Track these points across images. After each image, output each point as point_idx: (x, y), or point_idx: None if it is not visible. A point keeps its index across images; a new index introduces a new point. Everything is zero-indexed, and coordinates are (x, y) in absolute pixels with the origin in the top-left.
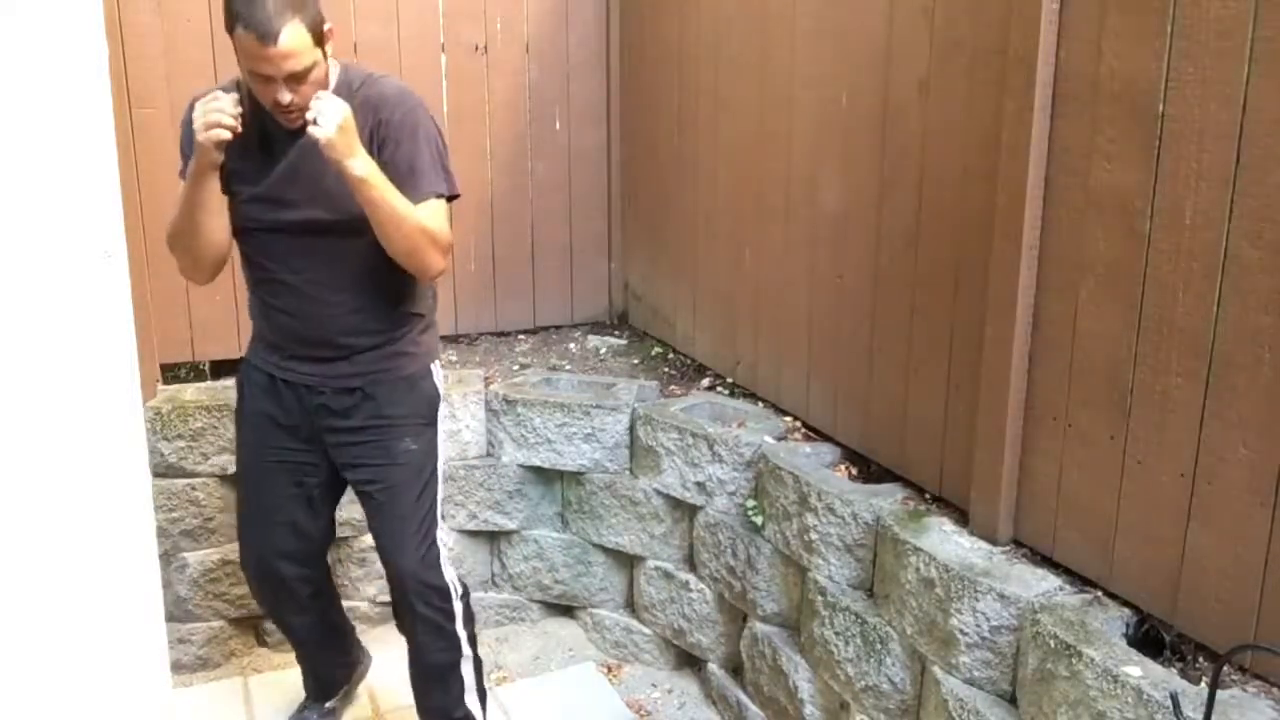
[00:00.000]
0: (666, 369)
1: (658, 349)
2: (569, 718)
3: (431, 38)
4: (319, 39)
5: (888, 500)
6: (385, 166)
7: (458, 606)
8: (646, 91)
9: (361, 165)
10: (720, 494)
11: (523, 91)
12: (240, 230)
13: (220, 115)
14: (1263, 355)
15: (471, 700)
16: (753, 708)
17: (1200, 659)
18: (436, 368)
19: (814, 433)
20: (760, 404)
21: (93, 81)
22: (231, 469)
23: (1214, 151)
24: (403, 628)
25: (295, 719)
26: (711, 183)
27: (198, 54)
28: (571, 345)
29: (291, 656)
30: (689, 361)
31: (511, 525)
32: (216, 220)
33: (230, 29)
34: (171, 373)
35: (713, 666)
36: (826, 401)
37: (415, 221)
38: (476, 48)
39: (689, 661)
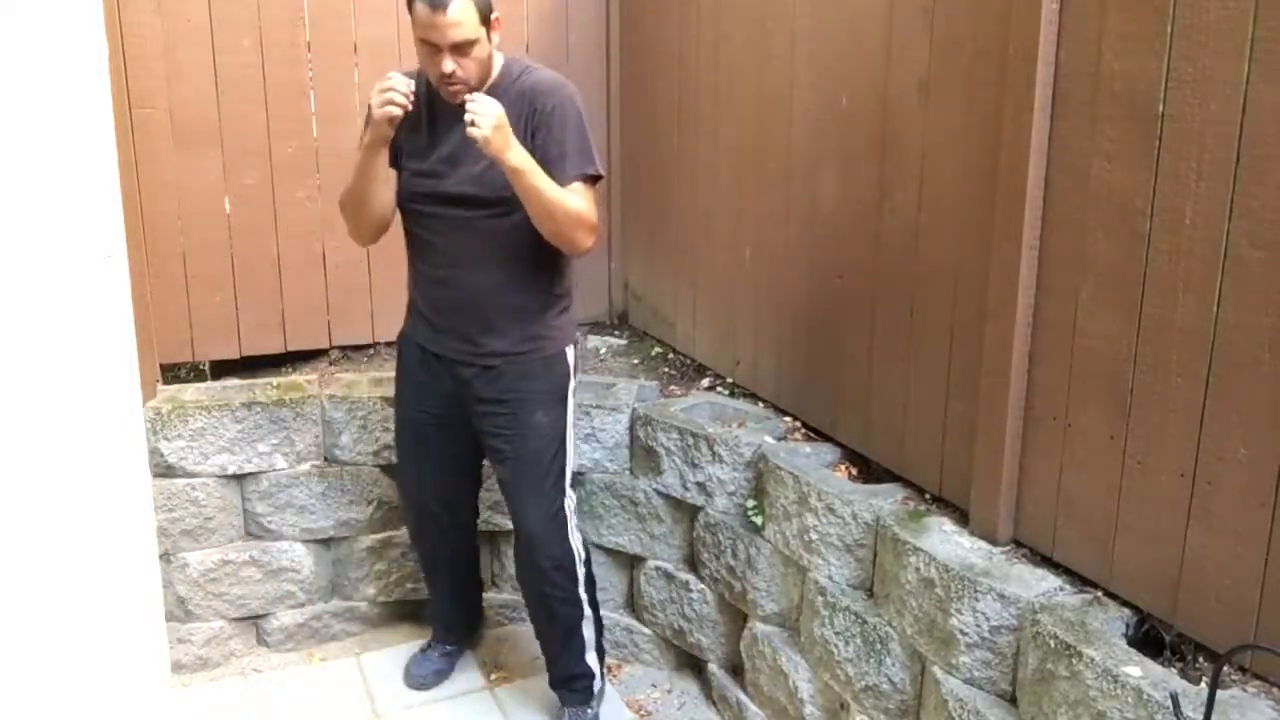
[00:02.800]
0: (666, 369)
1: (658, 349)
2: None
3: None
4: (485, 21)
5: (888, 500)
6: (536, 150)
7: (580, 570)
8: (646, 91)
9: (517, 157)
10: (720, 494)
11: None
12: (404, 202)
13: (394, 94)
14: (1263, 355)
15: (591, 658)
16: (753, 708)
17: (1200, 659)
18: (571, 351)
19: (814, 433)
20: (760, 404)
21: (93, 81)
22: (231, 469)
23: (1214, 151)
24: (526, 589)
25: (417, 657)
26: (711, 183)
27: (198, 54)
28: None
29: (291, 656)
30: (689, 361)
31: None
32: (382, 190)
33: (410, 4)
34: (171, 373)
35: (713, 666)
36: (826, 401)
37: (564, 205)
38: None
39: (689, 661)
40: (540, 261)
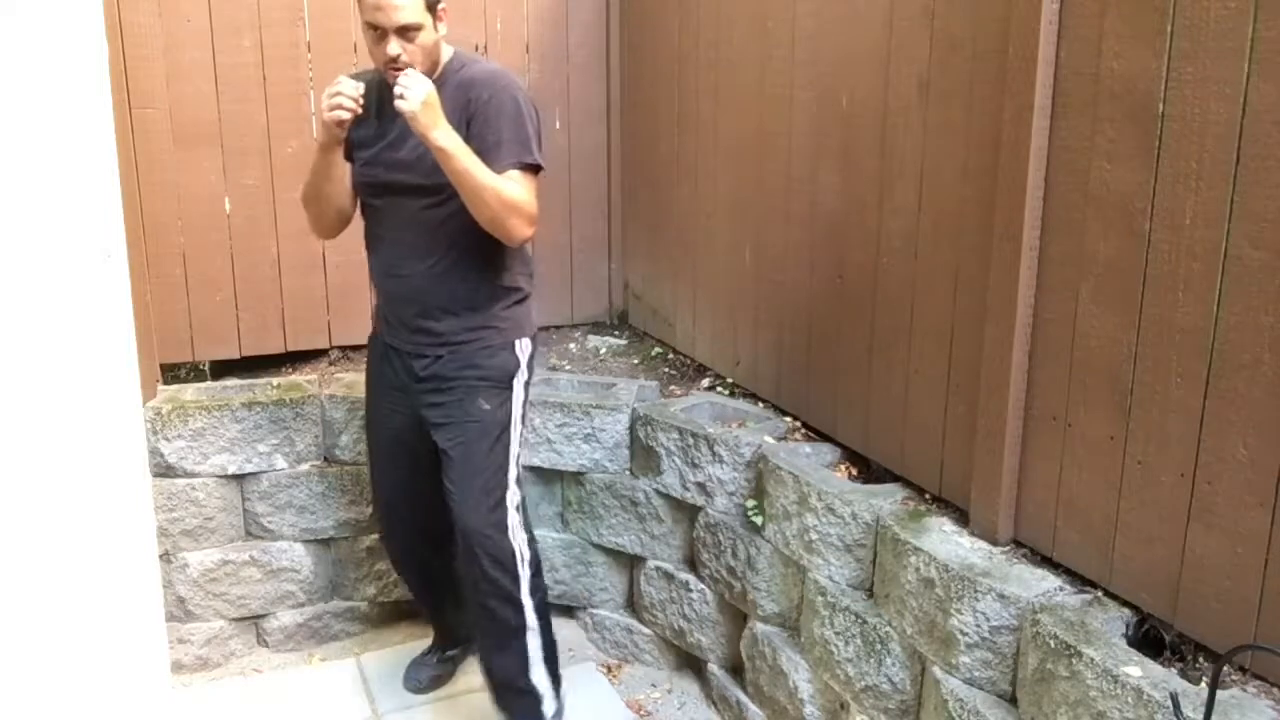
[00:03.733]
0: (666, 369)
1: (658, 349)
2: (569, 718)
3: None
4: (431, 9)
5: (888, 500)
6: (473, 139)
7: (524, 572)
8: (646, 91)
9: (444, 137)
10: (720, 494)
11: None
12: (357, 192)
13: (341, 99)
14: (1263, 355)
15: (539, 676)
16: (753, 708)
17: (1200, 659)
18: (525, 344)
19: (814, 433)
20: (760, 404)
21: (93, 81)
22: (231, 468)
23: (1214, 151)
24: (466, 590)
25: (416, 662)
26: (711, 183)
27: (198, 54)
28: (571, 345)
29: (290, 657)
30: (689, 361)
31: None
32: (337, 188)
33: None
34: (171, 373)
35: (713, 667)
36: (826, 401)
37: (496, 190)
38: (476, 48)
39: (689, 661)
40: (485, 251)
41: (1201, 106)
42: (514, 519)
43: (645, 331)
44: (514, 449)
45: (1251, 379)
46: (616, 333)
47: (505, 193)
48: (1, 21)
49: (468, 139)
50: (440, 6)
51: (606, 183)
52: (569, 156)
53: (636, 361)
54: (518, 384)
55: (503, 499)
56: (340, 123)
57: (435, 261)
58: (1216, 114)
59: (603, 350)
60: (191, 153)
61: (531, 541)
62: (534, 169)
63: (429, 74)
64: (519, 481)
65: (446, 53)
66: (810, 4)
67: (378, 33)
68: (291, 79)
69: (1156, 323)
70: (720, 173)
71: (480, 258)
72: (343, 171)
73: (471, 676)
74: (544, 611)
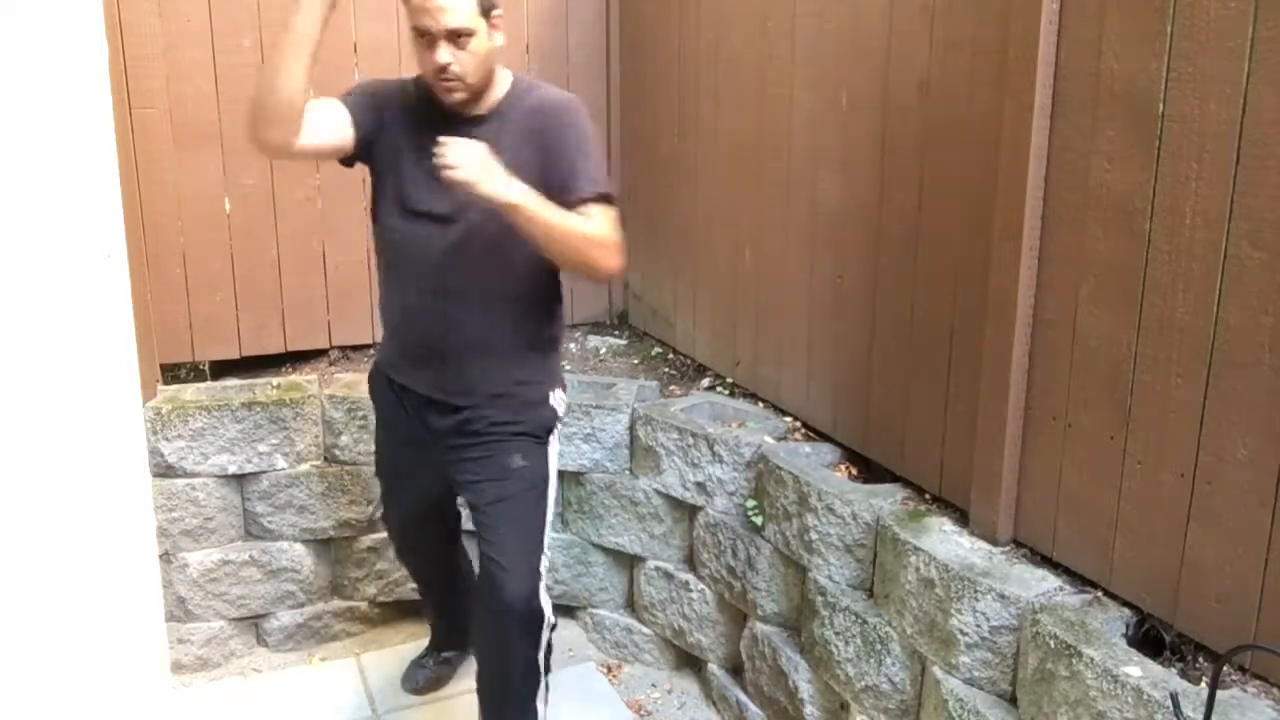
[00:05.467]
0: (666, 369)
1: (658, 349)
2: (569, 718)
3: None
4: (485, 14)
5: (888, 500)
6: (549, 167)
7: (545, 635)
8: (646, 91)
9: (513, 192)
10: (720, 494)
11: None
12: (378, 217)
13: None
14: (1263, 355)
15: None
16: (753, 708)
17: (1200, 659)
18: (558, 394)
19: (814, 433)
20: (760, 404)
21: (93, 81)
22: (231, 468)
23: (1214, 151)
24: (482, 645)
25: (414, 664)
26: (711, 183)
27: (198, 54)
28: (571, 345)
29: (290, 656)
30: (689, 361)
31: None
32: (302, 63)
33: None
34: (171, 373)
35: (713, 666)
36: (826, 401)
37: (575, 230)
38: None
39: (689, 661)
40: (529, 293)
41: (1201, 107)
42: (544, 582)
43: (645, 331)
44: (551, 508)
45: (1251, 379)
46: (616, 333)
47: (584, 229)
48: (1, 21)
49: (541, 165)
50: (496, 13)
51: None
52: None
53: (636, 361)
54: (554, 438)
55: (539, 564)
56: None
57: (473, 303)
58: (1216, 114)
59: (603, 350)
60: (191, 153)
61: (553, 608)
62: (609, 199)
63: (482, 89)
64: (548, 546)
65: (504, 76)
66: (810, 4)
67: (426, 39)
68: None
69: (1156, 323)
70: (720, 173)
71: (524, 301)
72: (314, 46)
73: (471, 679)
74: (549, 666)
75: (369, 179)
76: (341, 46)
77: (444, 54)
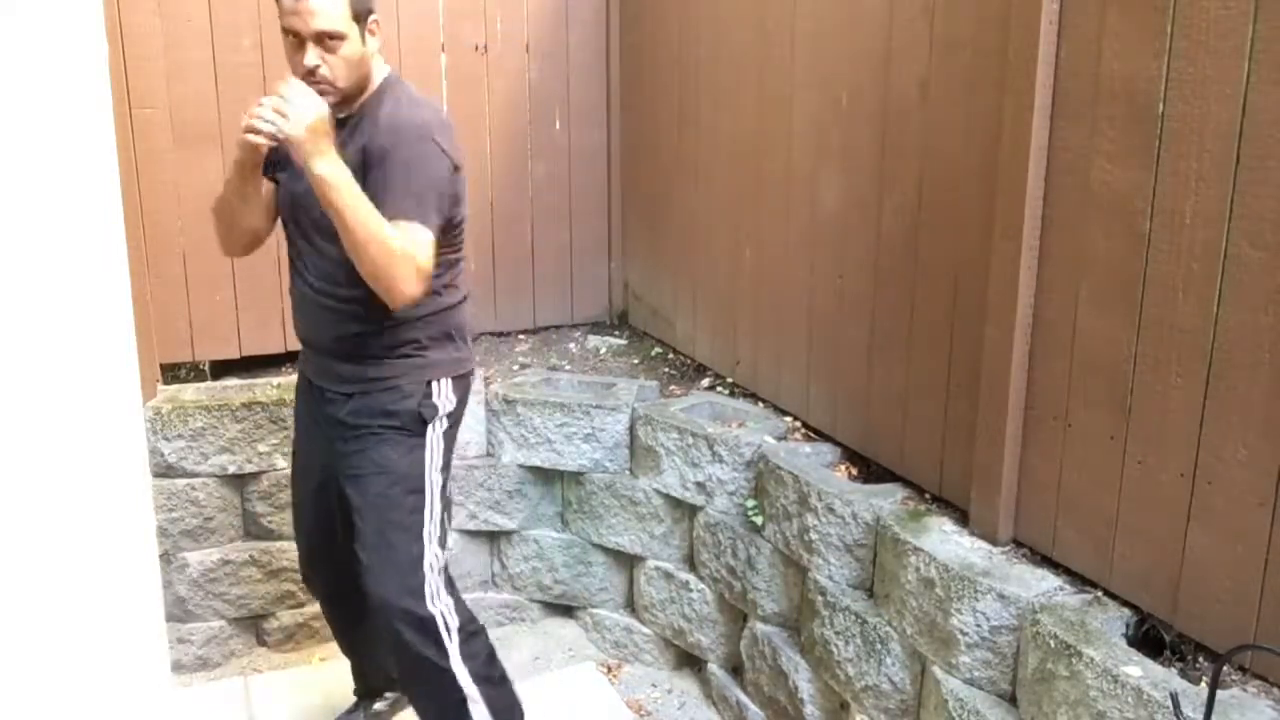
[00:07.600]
0: (666, 369)
1: (658, 349)
2: (569, 718)
3: (431, 38)
4: (358, 16)
5: (888, 500)
6: (366, 185)
7: (451, 641)
8: (646, 91)
9: (325, 165)
10: (720, 494)
11: (523, 92)
12: (277, 211)
13: (260, 123)
14: (1263, 355)
15: None
16: (753, 708)
17: (1200, 659)
18: (445, 384)
19: (814, 433)
20: (760, 404)
21: (93, 81)
22: (231, 468)
23: (1214, 151)
24: (394, 671)
25: (343, 719)
26: (711, 183)
27: (198, 54)
28: (571, 345)
29: (290, 656)
30: (689, 361)
31: (511, 525)
32: (251, 208)
33: None
34: (171, 373)
35: (713, 666)
36: (826, 401)
37: (381, 235)
38: (476, 48)
39: (689, 661)
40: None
41: (1201, 107)
42: (433, 583)
43: (645, 331)
44: (432, 506)
45: (1251, 379)
46: (616, 333)
47: (395, 244)
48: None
49: (363, 181)
50: (372, 18)
51: (606, 183)
52: (569, 156)
53: (636, 361)
54: (432, 432)
55: (419, 563)
56: (253, 147)
57: (346, 294)
58: (1216, 114)
59: (603, 350)
60: (191, 153)
61: (459, 606)
62: (432, 227)
63: (355, 93)
64: (441, 542)
65: (379, 73)
66: (810, 4)
67: (295, 40)
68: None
69: (1156, 323)
70: (720, 173)
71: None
72: (258, 190)
73: None
74: (486, 676)
75: None
76: None
77: (311, 57)
